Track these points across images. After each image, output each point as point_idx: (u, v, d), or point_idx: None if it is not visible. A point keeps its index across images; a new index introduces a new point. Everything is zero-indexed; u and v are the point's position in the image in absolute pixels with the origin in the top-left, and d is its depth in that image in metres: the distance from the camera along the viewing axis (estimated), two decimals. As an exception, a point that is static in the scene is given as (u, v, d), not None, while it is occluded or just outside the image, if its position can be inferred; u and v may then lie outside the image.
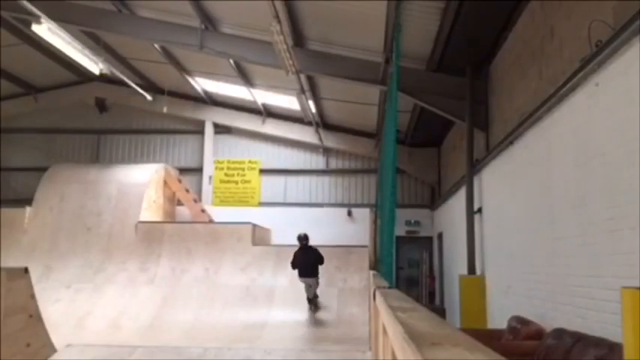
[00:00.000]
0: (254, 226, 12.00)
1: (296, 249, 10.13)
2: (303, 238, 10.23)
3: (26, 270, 5.53)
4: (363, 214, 16.34)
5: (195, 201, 15.89)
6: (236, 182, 17.46)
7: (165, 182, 14.94)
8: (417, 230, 16.65)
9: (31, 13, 9.29)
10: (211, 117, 17.55)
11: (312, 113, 14.55)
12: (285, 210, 16.84)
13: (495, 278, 8.81)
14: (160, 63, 13.99)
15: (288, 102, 14.60)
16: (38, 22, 9.55)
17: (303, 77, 11.43)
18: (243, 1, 9.68)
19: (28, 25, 10.30)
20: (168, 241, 11.69)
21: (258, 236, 12.29)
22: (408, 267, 16.80)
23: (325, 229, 16.19)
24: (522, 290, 7.30)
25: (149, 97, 15.54)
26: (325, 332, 9.46)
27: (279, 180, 17.50)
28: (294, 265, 10.00)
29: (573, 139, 5.61)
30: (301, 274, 9.94)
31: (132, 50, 14.07)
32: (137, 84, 14.83)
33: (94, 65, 11.97)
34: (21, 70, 16.18)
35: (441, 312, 12.89)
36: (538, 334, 6.00)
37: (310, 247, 10.19)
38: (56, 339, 6.19)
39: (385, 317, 2.42)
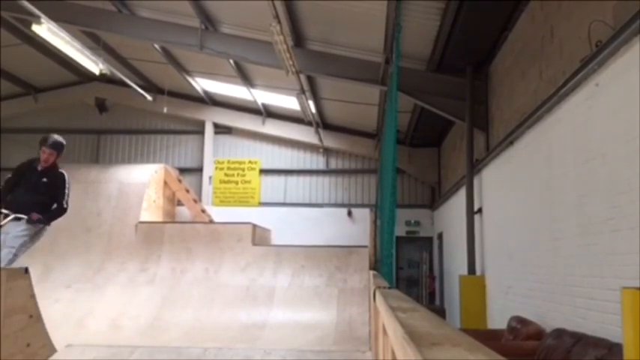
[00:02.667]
0: (254, 226, 11.98)
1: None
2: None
3: (26, 270, 5.53)
4: (363, 214, 16.34)
5: (195, 201, 15.88)
6: (236, 182, 17.46)
7: (165, 182, 14.93)
8: (417, 230, 16.65)
9: (31, 13, 9.28)
10: (211, 117, 17.55)
11: (312, 113, 14.55)
12: (286, 210, 16.86)
13: (495, 278, 8.81)
14: (160, 63, 14.00)
15: (288, 102, 14.60)
16: (38, 22, 9.54)
17: (303, 77, 11.43)
18: (243, 1, 9.67)
19: (28, 25, 10.30)
20: (169, 241, 11.67)
21: (259, 236, 12.27)
22: (408, 267, 16.80)
23: (325, 229, 16.22)
24: (522, 290, 7.30)
25: (149, 98, 15.52)
26: (325, 332, 9.46)
27: (279, 180, 17.50)
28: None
29: (573, 139, 5.61)
30: None
31: (132, 50, 14.07)
32: (137, 84, 14.82)
33: (94, 65, 11.96)
34: (21, 70, 16.19)
35: (441, 312, 12.89)
36: (538, 334, 6.00)
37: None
38: (56, 339, 6.19)
39: (385, 317, 2.42)
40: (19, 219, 5.62)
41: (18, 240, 5.55)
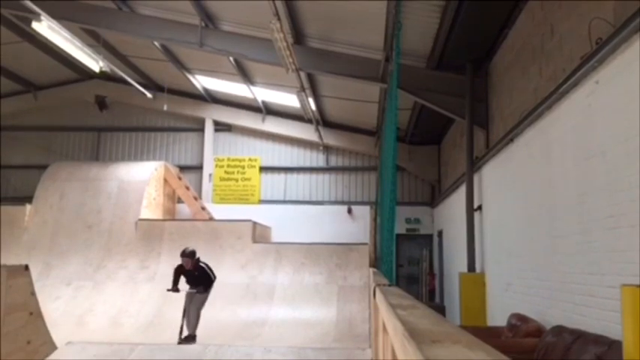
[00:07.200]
0: (254, 223, 12.00)
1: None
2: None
3: (26, 267, 5.54)
4: (363, 212, 16.35)
5: (195, 198, 15.90)
6: (236, 180, 17.46)
7: (165, 180, 14.95)
8: (417, 228, 16.66)
9: (31, 11, 9.28)
10: (211, 114, 17.55)
11: (312, 111, 14.54)
12: (286, 208, 16.87)
13: (495, 276, 8.82)
14: (160, 61, 13.99)
15: (289, 100, 14.60)
16: (38, 19, 9.54)
17: (303, 75, 11.42)
18: (243, -2, 9.67)
19: (29, 22, 10.29)
20: (169, 238, 11.70)
21: (259, 234, 12.29)
22: (408, 264, 16.82)
23: (325, 226, 16.22)
24: (522, 288, 7.31)
25: (149, 95, 15.53)
26: (325, 330, 9.47)
27: (279, 178, 17.51)
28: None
29: (573, 136, 5.61)
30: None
31: (132, 48, 14.06)
32: (137, 82, 14.82)
33: (94, 63, 11.96)
34: (21, 68, 16.18)
35: (440, 309, 12.92)
36: (538, 331, 6.00)
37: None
38: (56, 336, 6.20)
39: (385, 315, 2.42)
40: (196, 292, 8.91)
41: (200, 304, 8.92)
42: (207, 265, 9.14)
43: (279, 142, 17.60)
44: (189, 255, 9.05)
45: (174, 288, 8.98)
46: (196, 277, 9.01)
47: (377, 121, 14.79)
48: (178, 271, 9.15)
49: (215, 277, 9.12)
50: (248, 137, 17.72)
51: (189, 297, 8.88)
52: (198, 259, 9.12)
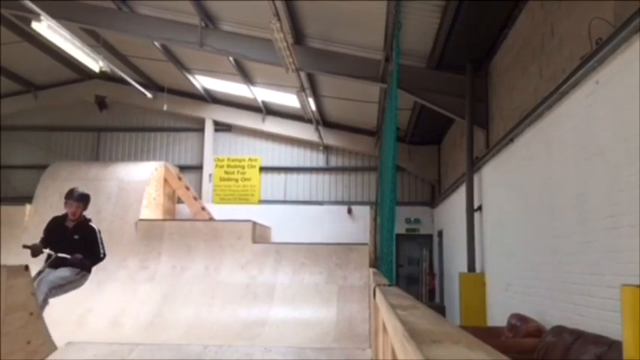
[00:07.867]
0: (254, 223, 11.97)
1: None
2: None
3: (26, 267, 5.53)
4: (364, 212, 16.36)
5: (195, 199, 15.89)
6: (236, 180, 17.46)
7: (165, 180, 14.93)
8: (417, 228, 16.66)
9: (31, 11, 9.28)
10: (211, 114, 17.55)
11: (312, 111, 14.54)
12: (286, 208, 16.87)
13: (495, 276, 8.82)
14: (160, 61, 13.98)
15: (289, 100, 14.60)
16: (38, 19, 9.54)
17: (303, 75, 11.42)
18: (243, -2, 9.67)
19: (28, 22, 10.29)
20: (169, 238, 11.68)
21: (259, 234, 12.27)
22: (408, 264, 16.82)
23: (325, 226, 16.22)
24: (522, 288, 7.31)
25: (149, 95, 15.53)
26: (325, 330, 9.47)
27: (279, 178, 17.51)
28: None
29: (573, 136, 5.61)
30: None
31: (132, 48, 14.06)
32: (137, 82, 14.82)
33: (94, 63, 11.96)
34: (21, 68, 16.17)
35: (440, 310, 12.91)
36: (538, 331, 6.01)
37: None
38: (57, 337, 6.20)
39: (385, 315, 2.42)
40: (64, 259, 5.73)
41: (52, 283, 5.66)
42: (100, 232, 6.21)
43: (279, 142, 17.61)
44: (78, 198, 6.07)
45: (36, 246, 5.71)
46: (74, 242, 5.93)
47: (377, 121, 14.78)
48: (51, 228, 6.10)
49: (105, 255, 6.19)
50: (248, 137, 17.72)
51: (47, 272, 5.78)
52: (90, 219, 6.26)
